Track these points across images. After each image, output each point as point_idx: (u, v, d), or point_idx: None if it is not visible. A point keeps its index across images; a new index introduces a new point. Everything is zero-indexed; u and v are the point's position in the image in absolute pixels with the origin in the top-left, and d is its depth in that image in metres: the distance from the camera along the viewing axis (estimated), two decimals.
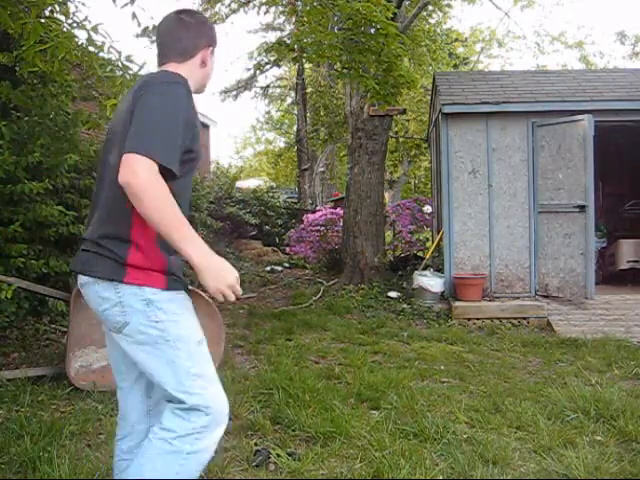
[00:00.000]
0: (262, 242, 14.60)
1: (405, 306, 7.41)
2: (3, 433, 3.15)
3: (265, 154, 31.77)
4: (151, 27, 5.29)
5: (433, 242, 9.05)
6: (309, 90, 18.30)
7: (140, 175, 1.63)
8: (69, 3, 4.45)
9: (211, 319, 4.22)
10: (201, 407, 1.83)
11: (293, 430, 3.29)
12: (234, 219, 13.98)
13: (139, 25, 4.76)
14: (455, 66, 18.72)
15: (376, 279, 8.74)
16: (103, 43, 4.36)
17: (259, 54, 16.68)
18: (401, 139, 16.94)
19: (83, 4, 4.60)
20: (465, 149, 7.47)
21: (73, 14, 4.34)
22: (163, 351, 1.84)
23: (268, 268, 11.53)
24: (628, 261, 8.36)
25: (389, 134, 10.26)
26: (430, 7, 11.52)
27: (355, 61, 7.04)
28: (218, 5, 14.11)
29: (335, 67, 10.28)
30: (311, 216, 12.10)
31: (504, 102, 7.38)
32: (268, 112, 27.70)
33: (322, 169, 21.02)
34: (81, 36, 4.40)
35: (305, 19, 7.29)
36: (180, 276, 1.92)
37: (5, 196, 5.06)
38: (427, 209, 10.40)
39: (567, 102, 7.33)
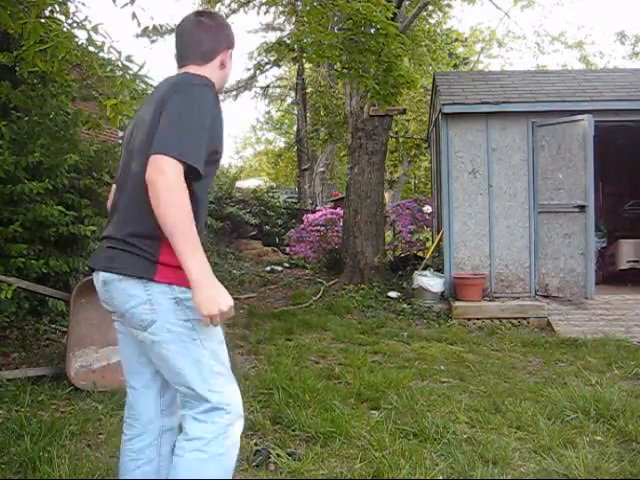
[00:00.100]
0: (262, 242, 14.60)
1: (405, 306, 7.41)
2: (3, 433, 3.15)
3: (265, 154, 31.78)
4: (151, 27, 5.28)
5: (433, 242, 9.05)
6: (309, 90, 18.30)
7: (167, 174, 1.66)
8: (69, 3, 4.45)
9: None
10: (223, 405, 1.87)
11: (293, 430, 3.29)
12: (234, 219, 13.98)
13: (139, 25, 4.75)
14: (455, 66, 18.72)
15: (376, 279, 8.74)
16: (103, 43, 4.35)
17: (259, 54, 16.68)
18: (401, 139, 16.94)
19: (83, 4, 4.60)
20: (465, 149, 7.47)
21: (73, 14, 4.34)
22: (189, 349, 1.85)
23: (268, 268, 11.53)
24: (628, 261, 8.36)
25: (389, 134, 10.26)
26: (430, 7, 11.52)
27: (355, 61, 7.03)
28: (218, 5, 14.11)
29: (335, 67, 10.27)
30: (311, 216, 12.11)
31: (504, 102, 7.38)
32: (268, 112, 27.71)
33: (322, 169, 21.02)
34: (81, 36, 4.40)
35: (305, 19, 7.29)
36: None
37: (5, 196, 5.06)
38: (427, 209, 10.40)
39: (567, 102, 7.33)
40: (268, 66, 16.77)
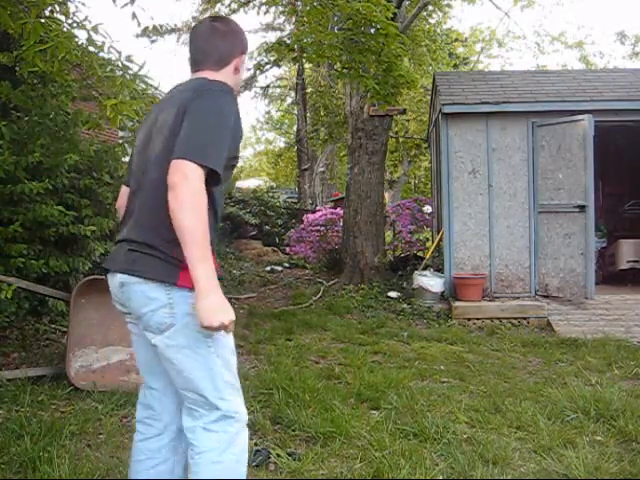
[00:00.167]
0: (262, 242, 14.60)
1: (405, 306, 7.41)
2: (3, 433, 3.15)
3: (265, 154, 31.78)
4: (151, 27, 5.28)
5: (433, 242, 9.05)
6: (309, 90, 18.30)
7: (190, 179, 1.68)
8: (69, 3, 4.44)
9: None
10: (232, 413, 1.89)
11: (293, 430, 3.29)
12: (234, 219, 13.99)
13: (139, 25, 4.75)
14: (455, 66, 18.72)
15: (376, 279, 8.74)
16: (103, 43, 4.35)
17: (259, 54, 16.66)
18: (401, 139, 16.94)
19: (83, 4, 4.59)
20: (465, 149, 7.47)
21: (73, 14, 4.34)
22: (203, 356, 1.85)
23: (268, 268, 11.53)
24: (628, 261, 8.36)
25: (389, 134, 10.26)
26: (430, 7, 11.52)
27: (355, 61, 7.03)
28: (218, 5, 14.12)
29: (335, 67, 10.27)
30: (311, 216, 12.10)
31: (504, 102, 7.38)
32: (268, 112, 27.71)
33: (322, 169, 21.02)
34: (81, 36, 4.40)
35: (305, 19, 7.29)
36: None
37: (5, 196, 5.06)
38: (427, 209, 10.40)
39: (567, 102, 7.33)
40: (268, 66, 16.75)
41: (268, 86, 20.73)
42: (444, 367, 4.83)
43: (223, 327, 1.71)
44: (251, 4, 13.85)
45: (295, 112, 20.70)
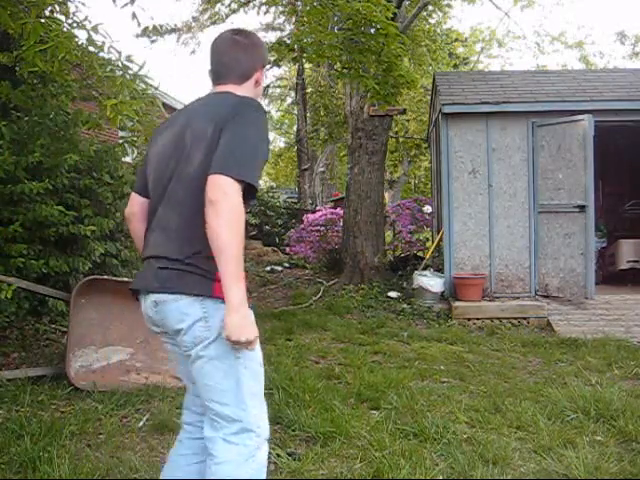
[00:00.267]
0: (262, 242, 14.60)
1: (405, 306, 7.41)
2: (3, 433, 3.15)
3: None
4: (151, 27, 5.29)
5: (433, 242, 9.05)
6: (309, 90, 18.31)
7: (230, 195, 1.70)
8: (69, 3, 4.45)
9: None
10: (253, 426, 1.87)
11: (293, 430, 3.29)
12: None
13: (139, 25, 4.76)
14: (455, 66, 18.72)
15: (376, 279, 8.74)
16: (103, 43, 4.36)
17: None
18: (401, 139, 16.94)
19: (83, 4, 4.59)
20: (465, 149, 7.47)
21: (73, 14, 4.34)
22: (232, 367, 1.85)
23: (268, 268, 11.52)
24: (628, 261, 8.36)
25: (389, 134, 10.26)
26: (430, 7, 11.51)
27: (355, 61, 7.03)
28: (218, 5, 14.13)
29: (335, 67, 10.28)
30: (311, 216, 12.10)
31: (504, 102, 7.38)
32: (268, 112, 27.66)
33: (322, 169, 21.02)
34: (81, 36, 4.40)
35: (305, 19, 7.29)
36: None
37: (5, 196, 5.06)
38: (427, 209, 10.40)
39: (567, 102, 7.33)
40: (268, 66, 16.77)
41: (268, 86, 20.76)
42: (444, 367, 4.83)
43: (248, 343, 1.75)
44: (251, 4, 13.86)
45: (295, 112, 20.72)
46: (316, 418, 3.39)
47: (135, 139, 5.99)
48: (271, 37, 18.38)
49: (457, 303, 6.95)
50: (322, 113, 16.79)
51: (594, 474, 2.77)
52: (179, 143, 1.93)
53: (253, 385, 1.90)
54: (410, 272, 8.38)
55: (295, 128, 21.40)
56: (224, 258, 1.69)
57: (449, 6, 14.11)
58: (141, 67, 4.67)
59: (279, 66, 18.04)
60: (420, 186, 21.17)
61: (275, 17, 16.76)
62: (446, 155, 7.50)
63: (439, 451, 3.04)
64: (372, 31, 6.68)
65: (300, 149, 18.91)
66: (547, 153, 7.24)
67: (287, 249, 12.70)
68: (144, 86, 4.78)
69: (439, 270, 7.80)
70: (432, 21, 13.85)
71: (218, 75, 2.04)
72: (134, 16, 4.61)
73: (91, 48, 4.37)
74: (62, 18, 4.28)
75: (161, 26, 5.33)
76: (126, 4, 4.72)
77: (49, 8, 4.31)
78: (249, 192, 1.81)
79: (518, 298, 7.21)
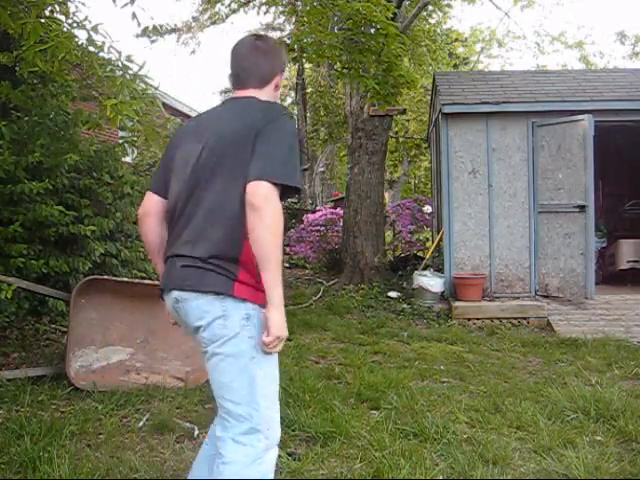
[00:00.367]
0: None
1: (405, 306, 7.41)
2: (3, 433, 3.15)
3: None
4: (151, 27, 5.28)
5: (433, 242, 9.05)
6: (309, 90, 18.31)
7: (272, 202, 1.77)
8: (69, 3, 4.44)
9: None
10: (262, 427, 1.89)
11: (293, 430, 3.29)
12: None
13: (139, 25, 4.74)
14: (455, 66, 18.72)
15: (376, 279, 8.74)
16: (103, 43, 4.35)
17: None
18: (401, 139, 16.94)
19: (83, 4, 4.59)
20: (465, 149, 7.47)
21: (73, 14, 4.34)
22: (247, 366, 1.87)
23: None
24: (628, 261, 8.36)
25: (389, 134, 10.26)
26: (430, 7, 11.50)
27: (355, 61, 7.03)
28: (218, 5, 14.12)
29: (335, 67, 10.27)
30: (311, 216, 12.10)
31: (504, 102, 7.38)
32: None
33: (322, 169, 21.03)
34: (81, 36, 4.40)
35: (305, 19, 7.29)
36: None
37: (5, 196, 5.06)
38: (427, 209, 10.40)
39: (567, 102, 7.33)
40: None
41: None
42: (444, 367, 4.83)
43: (282, 340, 1.85)
44: (251, 4, 13.85)
45: (295, 112, 20.70)
46: (316, 418, 3.39)
47: (135, 139, 5.99)
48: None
49: (457, 303, 6.95)
50: (322, 113, 16.80)
51: (594, 474, 2.77)
52: (209, 147, 1.95)
53: (266, 386, 1.92)
54: (410, 272, 8.38)
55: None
56: (267, 261, 1.76)
57: (449, 6, 14.09)
58: (141, 67, 4.67)
59: None
60: (420, 186, 21.16)
61: (275, 17, 16.77)
62: (446, 155, 7.50)
63: (439, 451, 3.04)
64: (372, 31, 6.68)
65: (300, 149, 18.90)
66: (547, 153, 7.24)
67: (287, 249, 12.70)
68: (144, 86, 4.77)
69: (439, 270, 7.80)
70: (432, 21, 13.84)
71: (239, 79, 2.08)
72: (134, 16, 4.61)
73: (91, 48, 4.37)
74: (62, 18, 4.27)
75: (161, 26, 5.33)
76: (126, 4, 4.71)
77: (49, 8, 4.31)
78: (287, 192, 1.88)
79: (518, 298, 7.21)
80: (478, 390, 4.15)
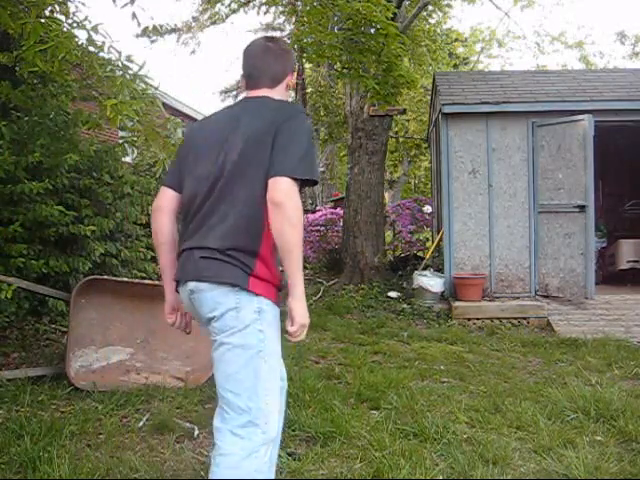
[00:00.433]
0: None
1: (405, 306, 7.41)
2: (3, 433, 3.15)
3: None
4: (151, 27, 5.28)
5: (433, 242, 9.05)
6: (309, 90, 18.30)
7: (292, 196, 1.85)
8: (69, 3, 4.43)
9: None
10: (260, 421, 1.91)
11: (293, 430, 3.29)
12: None
13: (139, 25, 4.74)
14: (455, 66, 18.71)
15: (376, 279, 8.74)
16: (103, 43, 4.35)
17: None
18: (401, 139, 16.94)
19: (83, 4, 4.58)
20: (465, 149, 7.47)
21: (73, 14, 4.33)
22: (253, 359, 1.92)
23: None
24: (628, 261, 8.36)
25: (389, 134, 10.26)
26: (430, 7, 11.49)
27: (355, 61, 7.04)
28: (218, 5, 14.12)
29: (335, 67, 10.28)
30: (311, 216, 12.11)
31: (504, 102, 7.38)
32: None
33: (322, 169, 21.01)
34: (81, 36, 4.39)
35: (305, 19, 7.29)
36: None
37: (5, 196, 5.06)
38: (427, 209, 10.40)
39: (567, 102, 7.33)
40: None
41: None
42: (444, 367, 4.83)
43: (305, 327, 1.93)
44: (251, 4, 13.84)
45: None
46: (316, 418, 3.39)
47: (135, 139, 5.98)
48: None
49: (457, 303, 6.95)
50: (322, 113, 16.78)
51: (594, 474, 2.77)
52: (228, 144, 2.00)
53: (269, 380, 1.95)
54: (410, 272, 8.38)
55: None
56: (290, 255, 1.85)
57: (449, 6, 14.08)
58: (141, 67, 4.66)
59: None
60: (420, 186, 21.15)
61: (275, 17, 16.77)
62: (446, 155, 7.50)
63: (439, 451, 3.04)
64: (372, 31, 6.69)
65: None
66: (547, 153, 7.25)
67: None
68: (144, 86, 4.77)
69: (439, 270, 7.80)
70: (432, 21, 13.82)
71: (251, 78, 2.16)
72: (134, 16, 4.60)
73: (91, 48, 4.36)
74: (62, 18, 4.27)
75: (161, 26, 5.33)
76: (126, 4, 4.71)
77: (49, 8, 4.30)
78: (305, 184, 1.96)
79: (518, 298, 7.21)
80: (478, 390, 4.15)
